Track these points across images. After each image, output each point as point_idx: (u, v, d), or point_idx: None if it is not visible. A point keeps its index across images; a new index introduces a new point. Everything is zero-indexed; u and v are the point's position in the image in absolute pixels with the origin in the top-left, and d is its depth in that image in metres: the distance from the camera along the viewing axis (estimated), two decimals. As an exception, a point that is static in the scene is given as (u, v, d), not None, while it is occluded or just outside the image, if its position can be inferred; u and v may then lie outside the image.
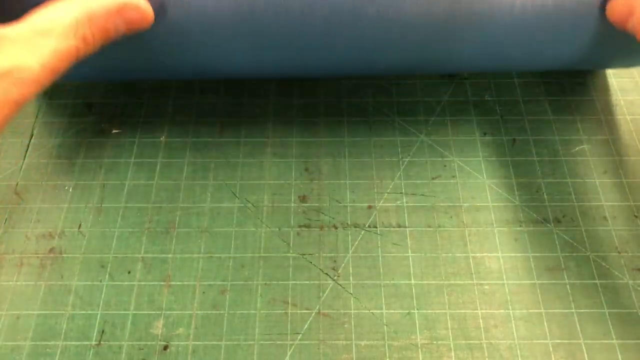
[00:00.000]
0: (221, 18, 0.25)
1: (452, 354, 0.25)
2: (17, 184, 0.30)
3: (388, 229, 0.28)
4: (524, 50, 0.27)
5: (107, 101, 0.33)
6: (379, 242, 0.28)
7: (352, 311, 0.26)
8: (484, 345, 0.25)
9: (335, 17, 0.25)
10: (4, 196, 0.29)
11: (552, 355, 0.25)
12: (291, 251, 0.28)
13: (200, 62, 0.28)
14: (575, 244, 0.28)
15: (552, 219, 0.28)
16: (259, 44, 0.26)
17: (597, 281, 0.27)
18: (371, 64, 0.28)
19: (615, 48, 0.28)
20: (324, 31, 0.26)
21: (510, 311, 0.26)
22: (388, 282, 0.27)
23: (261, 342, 0.25)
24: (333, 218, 0.29)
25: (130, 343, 0.25)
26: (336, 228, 0.28)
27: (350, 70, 0.29)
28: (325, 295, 0.26)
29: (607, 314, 0.26)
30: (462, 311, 0.26)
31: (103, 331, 0.25)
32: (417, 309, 0.26)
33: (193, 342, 0.25)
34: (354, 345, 0.25)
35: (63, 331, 0.25)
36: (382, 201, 0.29)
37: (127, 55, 0.27)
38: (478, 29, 0.26)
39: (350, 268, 0.27)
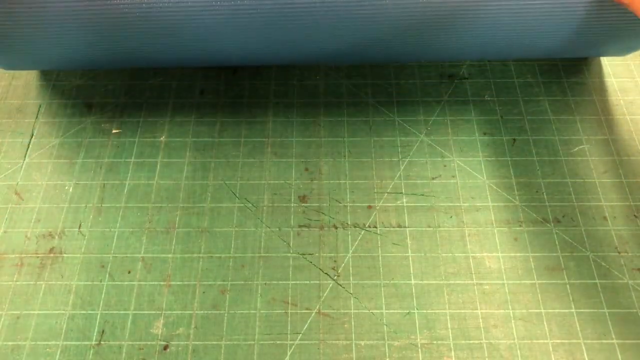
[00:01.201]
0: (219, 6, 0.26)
1: (452, 354, 0.25)
2: (17, 184, 0.30)
3: (388, 229, 0.28)
4: (520, 37, 0.28)
5: (107, 101, 0.33)
6: (379, 242, 0.28)
7: (352, 311, 0.26)
8: (484, 345, 0.25)
9: (337, 4, 0.25)
10: (4, 196, 0.29)
11: (552, 355, 0.25)
12: (291, 251, 0.28)
13: (197, 48, 0.28)
14: (575, 244, 0.28)
15: (552, 218, 0.29)
16: (260, 30, 0.27)
17: (597, 281, 0.27)
18: (371, 51, 0.29)
19: (609, 33, 0.28)
20: (323, 16, 0.26)
21: (510, 311, 0.26)
22: (388, 282, 0.27)
23: (261, 342, 0.25)
24: (333, 218, 0.29)
25: (130, 343, 0.25)
26: (336, 228, 0.28)
27: (351, 57, 0.30)
28: (325, 295, 0.26)
29: (606, 313, 0.26)
30: (462, 311, 0.26)
31: (103, 331, 0.25)
32: (417, 309, 0.26)
33: (193, 342, 0.25)
34: (354, 345, 0.25)
35: (63, 331, 0.25)
36: (382, 201, 0.29)
37: (121, 42, 0.27)
38: (474, 16, 0.26)
39: (350, 268, 0.27)
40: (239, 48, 0.29)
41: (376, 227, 0.28)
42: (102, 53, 0.29)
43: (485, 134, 0.32)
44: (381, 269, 0.27)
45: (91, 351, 0.25)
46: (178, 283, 0.27)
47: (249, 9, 0.26)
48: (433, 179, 0.30)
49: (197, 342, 0.25)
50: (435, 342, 0.25)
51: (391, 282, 0.27)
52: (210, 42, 0.28)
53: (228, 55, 0.29)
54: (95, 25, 0.26)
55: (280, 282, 0.27)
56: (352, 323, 0.26)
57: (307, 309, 0.26)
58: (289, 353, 0.25)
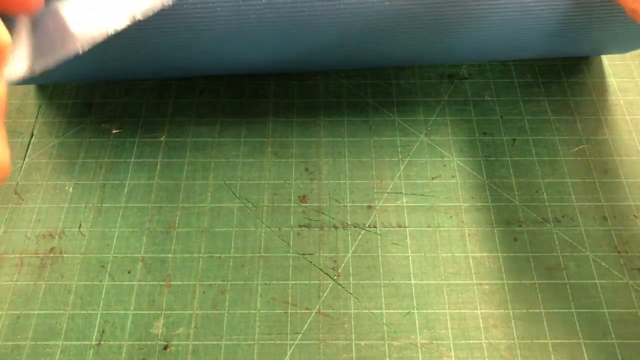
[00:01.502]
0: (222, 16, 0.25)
1: (452, 353, 0.25)
2: (17, 184, 0.30)
3: (388, 229, 0.28)
4: (520, 37, 0.28)
5: (107, 101, 0.33)
6: (379, 242, 0.28)
7: (352, 311, 0.26)
8: (484, 345, 0.25)
9: (336, 9, 0.25)
10: (4, 196, 0.29)
11: (552, 355, 0.25)
12: (291, 251, 0.28)
13: (199, 58, 0.28)
14: (574, 244, 0.28)
15: (551, 218, 0.29)
16: (259, 38, 0.26)
17: (596, 281, 0.27)
18: (370, 56, 0.29)
19: (608, 33, 0.28)
20: (324, 23, 0.26)
21: (510, 311, 0.26)
22: (388, 282, 0.27)
23: (261, 342, 0.25)
24: (333, 218, 0.29)
25: (130, 343, 0.25)
26: (336, 228, 0.28)
27: (352, 61, 0.30)
28: (325, 295, 0.26)
29: (606, 313, 0.26)
30: (462, 311, 0.26)
31: (103, 331, 0.25)
32: (417, 309, 0.26)
33: (193, 342, 0.25)
34: (354, 345, 0.25)
35: (63, 331, 0.25)
36: (382, 201, 0.29)
37: (126, 53, 0.27)
38: (474, 19, 0.26)
39: (350, 268, 0.27)
40: (246, 59, 0.28)
41: (376, 227, 0.28)
42: (114, 71, 0.28)
43: (485, 134, 0.32)
44: (381, 268, 0.27)
45: (91, 351, 0.25)
46: (178, 283, 0.27)
47: (256, 19, 0.25)
48: (433, 179, 0.30)
49: (197, 342, 0.25)
50: (435, 342, 0.25)
51: (391, 282, 0.27)
52: (217, 55, 0.28)
53: (234, 66, 0.29)
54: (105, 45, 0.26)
55: (280, 282, 0.27)
56: (352, 323, 0.26)
57: (307, 309, 0.26)
58: (288, 353, 0.25)
